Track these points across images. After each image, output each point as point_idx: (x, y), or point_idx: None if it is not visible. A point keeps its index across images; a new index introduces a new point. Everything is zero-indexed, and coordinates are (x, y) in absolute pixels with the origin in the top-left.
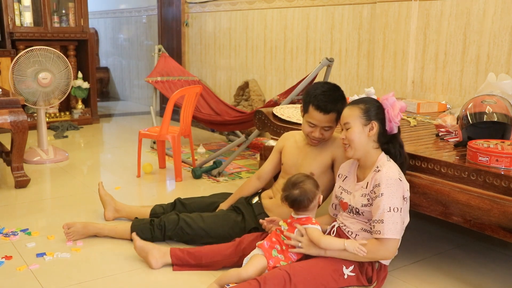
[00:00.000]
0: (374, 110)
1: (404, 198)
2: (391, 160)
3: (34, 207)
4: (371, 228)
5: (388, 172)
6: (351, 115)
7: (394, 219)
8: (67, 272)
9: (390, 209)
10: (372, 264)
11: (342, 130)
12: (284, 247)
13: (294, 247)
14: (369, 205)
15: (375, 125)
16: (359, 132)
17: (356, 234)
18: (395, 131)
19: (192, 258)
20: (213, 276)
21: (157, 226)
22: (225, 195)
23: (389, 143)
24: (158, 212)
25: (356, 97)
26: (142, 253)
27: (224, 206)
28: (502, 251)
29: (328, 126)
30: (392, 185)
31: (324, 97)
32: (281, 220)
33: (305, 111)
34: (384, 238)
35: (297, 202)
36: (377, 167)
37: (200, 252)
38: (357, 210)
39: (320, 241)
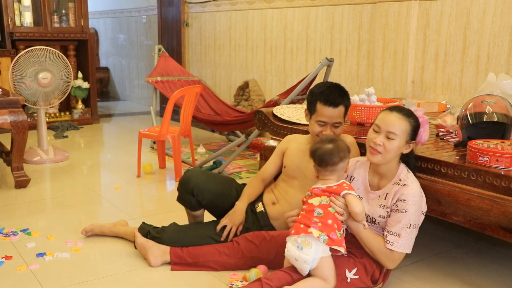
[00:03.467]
0: (417, 129)
1: (422, 213)
2: (410, 171)
3: (34, 207)
4: (383, 235)
5: (414, 188)
6: (400, 128)
7: (411, 235)
8: (67, 272)
9: (410, 226)
10: (380, 268)
11: (378, 132)
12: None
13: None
14: (387, 216)
15: (413, 145)
16: (399, 147)
17: None
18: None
19: (190, 256)
20: (213, 276)
21: (155, 238)
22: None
23: (406, 156)
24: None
25: (356, 97)
26: (142, 250)
27: (243, 205)
28: (502, 251)
29: (338, 121)
30: (417, 203)
31: (331, 92)
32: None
33: (312, 111)
34: (395, 250)
35: (327, 156)
36: (400, 180)
37: (199, 251)
38: (373, 220)
39: (356, 208)
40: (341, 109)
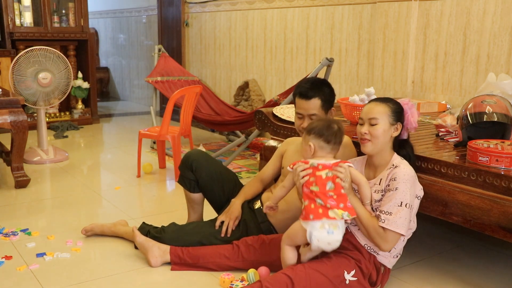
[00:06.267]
0: (400, 112)
1: (417, 197)
2: (403, 159)
3: (34, 207)
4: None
5: (406, 168)
6: (380, 112)
7: (403, 214)
8: (67, 272)
9: (401, 204)
10: (377, 269)
11: (363, 124)
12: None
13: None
14: (381, 200)
15: (399, 127)
16: (385, 130)
17: None
18: (405, 137)
19: (190, 257)
20: (213, 276)
21: (155, 238)
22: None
23: (401, 146)
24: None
25: (356, 97)
26: (143, 249)
27: (238, 201)
28: (502, 251)
29: (314, 113)
30: (408, 181)
31: (306, 84)
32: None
33: (294, 105)
34: (388, 229)
35: (340, 134)
36: (393, 165)
37: (199, 252)
38: (371, 207)
39: (364, 180)
40: (315, 101)
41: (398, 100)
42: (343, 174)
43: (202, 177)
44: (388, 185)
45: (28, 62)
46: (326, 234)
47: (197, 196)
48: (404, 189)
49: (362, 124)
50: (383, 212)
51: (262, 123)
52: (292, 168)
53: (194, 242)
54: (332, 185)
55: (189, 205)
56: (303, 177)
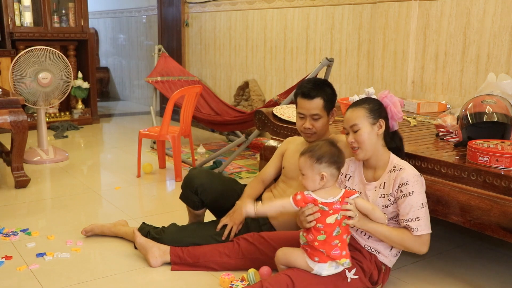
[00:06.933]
0: (378, 108)
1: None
2: (402, 160)
3: (34, 207)
4: (399, 225)
5: (412, 169)
6: (357, 116)
7: (426, 214)
8: (67, 272)
9: (422, 205)
10: (378, 268)
11: (348, 133)
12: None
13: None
14: (390, 205)
15: (382, 123)
16: (368, 132)
17: (369, 236)
18: (396, 127)
19: (190, 256)
20: (213, 276)
21: (154, 239)
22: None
23: (391, 138)
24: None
25: (356, 97)
26: (143, 250)
27: (242, 203)
28: (501, 251)
29: (316, 113)
30: (418, 182)
31: (308, 84)
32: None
33: (296, 105)
34: (423, 234)
35: (344, 154)
36: (395, 167)
37: (199, 251)
38: None
39: (372, 207)
40: (318, 101)
41: (377, 95)
42: (352, 212)
43: (208, 199)
44: (401, 191)
45: (28, 62)
46: (334, 269)
47: (201, 211)
48: (419, 191)
49: (348, 134)
50: (410, 220)
51: (262, 123)
52: (297, 206)
53: (194, 244)
54: (339, 230)
55: (190, 214)
56: (310, 221)
